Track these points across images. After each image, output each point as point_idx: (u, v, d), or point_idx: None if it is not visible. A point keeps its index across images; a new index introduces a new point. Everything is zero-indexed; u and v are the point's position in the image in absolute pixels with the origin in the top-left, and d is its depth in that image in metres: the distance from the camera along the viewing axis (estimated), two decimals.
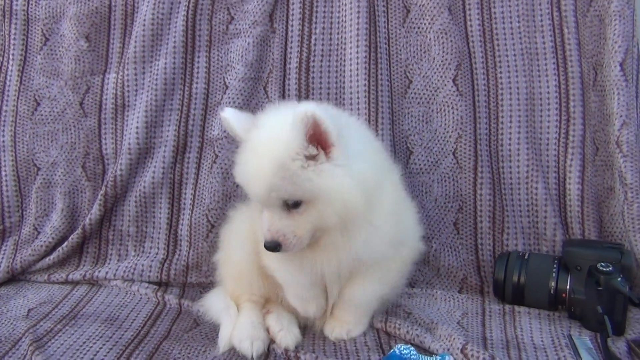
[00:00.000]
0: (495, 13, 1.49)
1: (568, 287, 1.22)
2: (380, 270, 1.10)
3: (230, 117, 1.04)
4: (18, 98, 1.54)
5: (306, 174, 0.94)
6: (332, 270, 1.07)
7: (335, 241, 1.02)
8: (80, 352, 1.09)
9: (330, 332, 1.14)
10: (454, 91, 1.47)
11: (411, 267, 1.19)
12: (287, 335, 1.10)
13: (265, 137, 0.98)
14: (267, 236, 1.00)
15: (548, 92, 1.46)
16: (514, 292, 1.28)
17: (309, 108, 0.91)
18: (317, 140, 0.93)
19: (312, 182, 0.94)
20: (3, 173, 1.52)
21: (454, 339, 1.08)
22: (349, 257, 1.04)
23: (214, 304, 1.23)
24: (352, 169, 0.96)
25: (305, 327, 1.18)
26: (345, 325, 1.14)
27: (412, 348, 1.02)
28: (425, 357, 1.02)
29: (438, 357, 1.01)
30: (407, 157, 1.49)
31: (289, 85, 1.51)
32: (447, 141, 1.47)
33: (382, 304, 1.20)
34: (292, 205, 0.98)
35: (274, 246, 0.99)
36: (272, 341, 1.11)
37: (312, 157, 0.94)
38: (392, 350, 1.02)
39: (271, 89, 1.52)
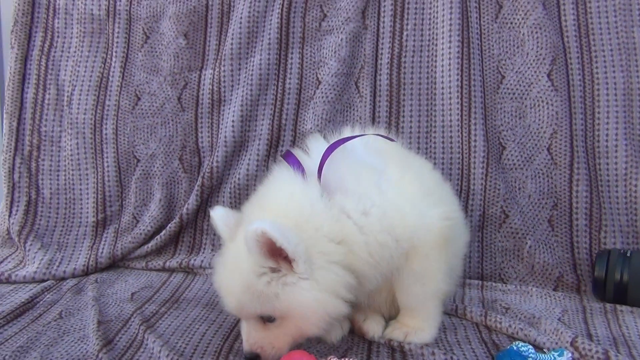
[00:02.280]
0: (591, 8, 1.47)
1: None
2: (410, 275, 1.03)
3: (217, 218, 1.02)
4: (120, 93, 1.61)
5: (272, 289, 0.91)
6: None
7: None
8: (189, 333, 1.12)
9: (390, 332, 1.08)
10: (548, 86, 1.45)
11: (449, 250, 1.05)
12: (372, 324, 1.10)
13: (233, 253, 0.97)
14: (245, 347, 0.98)
15: None
16: (616, 291, 1.25)
17: (259, 227, 0.86)
18: (278, 254, 0.89)
19: (279, 298, 0.91)
20: (105, 164, 1.60)
21: (561, 332, 1.06)
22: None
23: None
24: (319, 281, 0.92)
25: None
26: (405, 328, 1.08)
27: (529, 346, 0.99)
28: (543, 355, 0.98)
29: (556, 353, 0.99)
30: (500, 152, 1.47)
31: (380, 80, 1.53)
32: (542, 137, 1.45)
33: (441, 301, 1.12)
34: (267, 319, 0.95)
35: (252, 357, 0.97)
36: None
37: (276, 270, 0.91)
38: (509, 346, 1.00)
39: (362, 84, 1.54)
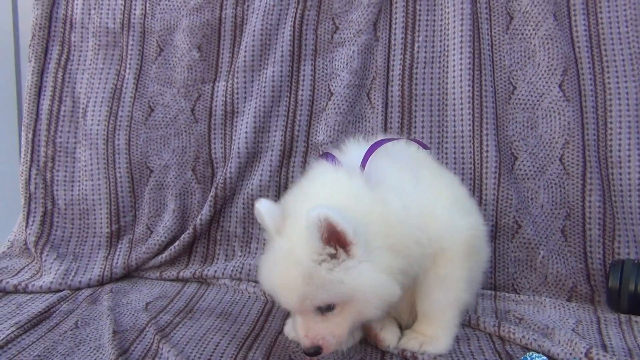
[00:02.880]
0: (602, 18, 1.47)
1: None
2: (434, 279, 1.05)
3: (264, 211, 1.00)
4: (133, 104, 1.63)
5: (335, 275, 0.91)
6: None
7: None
8: (203, 343, 1.13)
9: (405, 342, 1.09)
10: (560, 97, 1.45)
11: (473, 260, 1.07)
12: (388, 333, 1.10)
13: (285, 246, 0.95)
14: (305, 342, 0.96)
15: None
16: (631, 302, 1.24)
17: (322, 211, 0.87)
18: (335, 240, 0.90)
19: (345, 283, 0.92)
20: (118, 175, 1.61)
21: (576, 343, 1.05)
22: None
23: None
24: (377, 262, 0.93)
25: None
26: (420, 337, 1.08)
27: (544, 356, 0.98)
28: None
29: None
30: (512, 162, 1.48)
31: (392, 92, 1.54)
32: (554, 147, 1.46)
33: (460, 312, 1.12)
34: (326, 309, 0.95)
35: (315, 351, 0.96)
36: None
37: (334, 256, 0.92)
38: (523, 357, 0.99)
39: (374, 95, 1.55)
